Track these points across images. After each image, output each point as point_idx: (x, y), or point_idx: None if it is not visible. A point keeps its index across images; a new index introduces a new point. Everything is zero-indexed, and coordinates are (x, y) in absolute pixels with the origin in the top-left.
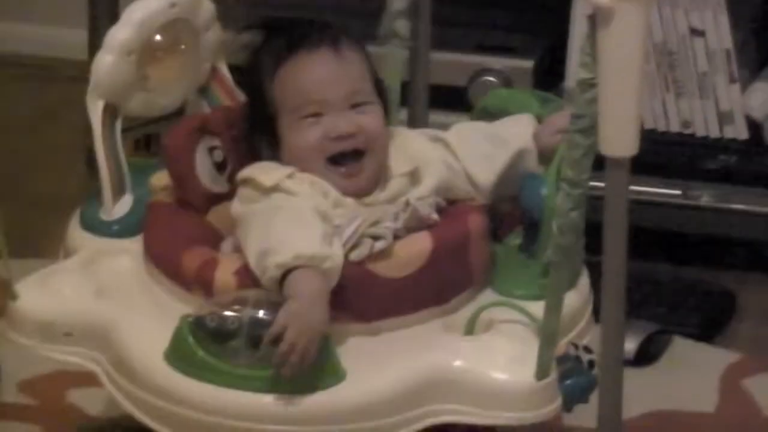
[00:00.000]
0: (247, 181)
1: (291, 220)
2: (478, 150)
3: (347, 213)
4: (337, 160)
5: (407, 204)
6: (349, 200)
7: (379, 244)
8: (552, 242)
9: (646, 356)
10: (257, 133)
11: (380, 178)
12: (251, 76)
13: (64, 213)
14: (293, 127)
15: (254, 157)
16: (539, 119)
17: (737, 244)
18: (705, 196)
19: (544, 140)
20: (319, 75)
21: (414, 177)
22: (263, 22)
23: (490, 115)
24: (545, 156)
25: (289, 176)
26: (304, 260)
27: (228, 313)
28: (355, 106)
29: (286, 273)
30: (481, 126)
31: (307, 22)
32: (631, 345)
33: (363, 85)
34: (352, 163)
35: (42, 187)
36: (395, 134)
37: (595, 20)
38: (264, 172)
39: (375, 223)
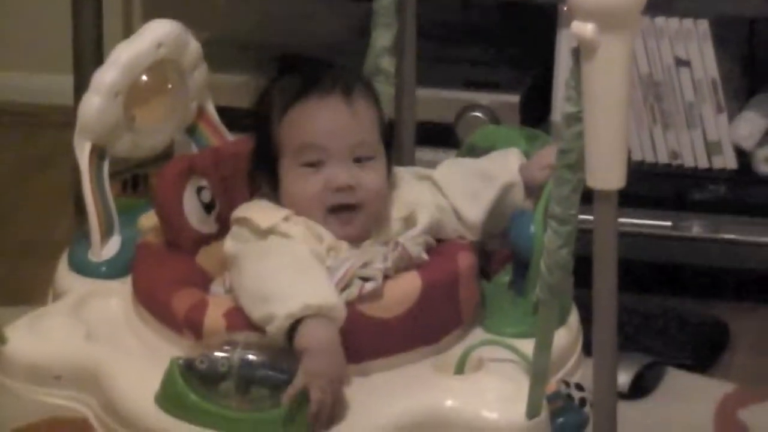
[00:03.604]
0: (242, 221)
1: (293, 265)
2: (465, 187)
3: (339, 256)
4: (334, 209)
5: (396, 244)
6: (344, 244)
7: (369, 285)
8: (540, 281)
9: (639, 389)
10: (259, 169)
11: (374, 226)
12: (260, 112)
13: (54, 259)
14: (293, 173)
15: (253, 192)
16: (527, 155)
17: (729, 273)
18: (695, 227)
19: (532, 175)
20: (326, 123)
21: (409, 220)
22: (279, 59)
23: (478, 152)
24: (533, 190)
25: (285, 219)
26: (313, 310)
27: (218, 354)
28: (357, 159)
29: (294, 323)
30: (467, 162)
31: (324, 63)
32: (624, 378)
33: (369, 137)
34: (346, 213)
35: (31, 234)
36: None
37: (579, 53)
38: (260, 212)
39: (365, 265)
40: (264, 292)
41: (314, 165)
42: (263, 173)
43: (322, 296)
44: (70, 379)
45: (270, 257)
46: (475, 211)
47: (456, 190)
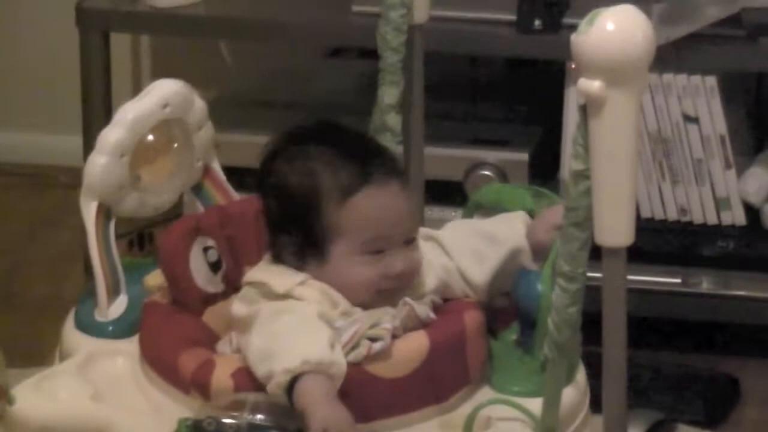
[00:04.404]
0: (257, 285)
1: (296, 324)
2: (471, 249)
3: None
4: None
5: (404, 304)
6: (358, 310)
7: (377, 346)
8: (548, 339)
9: None
10: (284, 238)
11: None
12: (303, 188)
13: (63, 318)
14: (351, 258)
15: (263, 249)
16: (532, 214)
17: (739, 329)
18: (705, 283)
19: (538, 237)
20: (391, 212)
21: (416, 282)
22: (307, 127)
23: (483, 209)
24: (539, 254)
25: (301, 283)
26: (311, 366)
27: (226, 418)
28: (407, 241)
29: (293, 379)
30: (473, 224)
31: (365, 144)
32: None
33: (414, 220)
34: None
35: (40, 294)
36: None
37: (586, 110)
38: (277, 277)
39: (374, 325)
40: (268, 351)
41: (375, 253)
42: (290, 245)
43: (320, 353)
44: None
45: (279, 318)
46: (481, 273)
47: (461, 252)
